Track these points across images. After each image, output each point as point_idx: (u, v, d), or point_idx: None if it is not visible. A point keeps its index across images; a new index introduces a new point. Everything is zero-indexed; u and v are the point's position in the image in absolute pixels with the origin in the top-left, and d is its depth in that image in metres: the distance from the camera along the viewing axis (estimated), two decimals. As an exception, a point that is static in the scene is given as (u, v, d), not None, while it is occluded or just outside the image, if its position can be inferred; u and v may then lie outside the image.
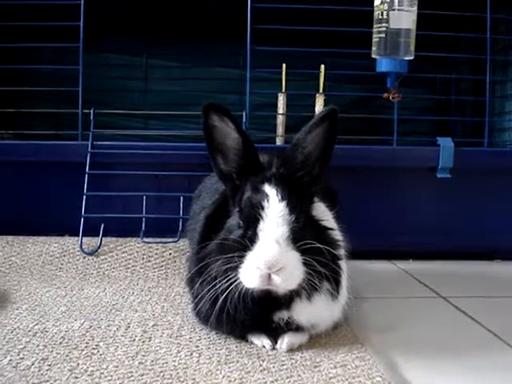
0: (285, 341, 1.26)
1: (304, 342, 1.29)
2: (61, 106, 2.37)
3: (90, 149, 2.10)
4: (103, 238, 2.02)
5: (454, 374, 1.21)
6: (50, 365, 1.15)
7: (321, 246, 1.19)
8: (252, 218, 1.20)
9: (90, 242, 2.02)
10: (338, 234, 1.37)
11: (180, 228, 2.04)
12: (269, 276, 1.15)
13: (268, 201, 1.20)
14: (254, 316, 1.24)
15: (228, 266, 1.19)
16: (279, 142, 2.32)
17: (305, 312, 1.25)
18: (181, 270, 1.90)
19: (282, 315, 1.24)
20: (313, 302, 1.24)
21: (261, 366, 1.18)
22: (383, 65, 2.10)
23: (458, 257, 2.28)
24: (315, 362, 1.20)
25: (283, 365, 1.18)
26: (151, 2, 2.85)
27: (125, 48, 3.11)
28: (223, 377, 1.12)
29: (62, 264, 1.95)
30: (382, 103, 2.27)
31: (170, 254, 2.00)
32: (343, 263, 1.34)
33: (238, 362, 1.20)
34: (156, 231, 2.07)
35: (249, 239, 1.18)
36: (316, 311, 1.26)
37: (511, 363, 1.27)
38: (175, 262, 1.98)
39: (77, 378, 1.10)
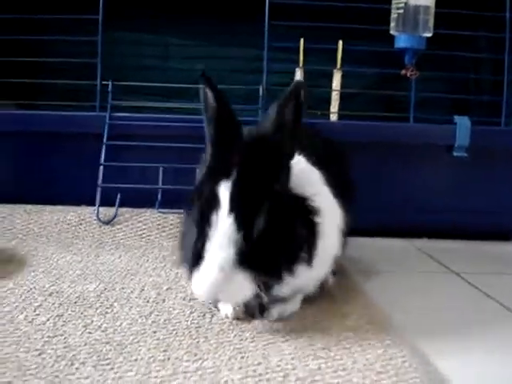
0: (273, 310, 1.24)
1: (295, 309, 1.28)
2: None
3: (107, 120, 2.12)
4: (119, 209, 2.05)
5: (463, 339, 1.23)
6: (64, 321, 1.18)
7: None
8: (202, 230, 1.12)
9: (107, 211, 2.04)
10: (322, 200, 1.25)
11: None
12: None
13: (217, 213, 1.11)
14: None
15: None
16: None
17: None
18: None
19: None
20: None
21: (271, 328, 1.20)
22: (401, 41, 2.09)
23: (473, 236, 2.26)
24: (326, 326, 1.22)
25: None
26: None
27: (143, 26, 3.12)
28: (234, 336, 1.14)
29: (79, 232, 1.98)
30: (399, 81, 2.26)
31: (185, 225, 2.02)
32: (325, 228, 1.23)
33: (249, 324, 1.21)
34: (172, 203, 2.08)
35: (199, 252, 1.11)
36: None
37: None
38: (190, 232, 2.00)
39: (90, 333, 1.12)
